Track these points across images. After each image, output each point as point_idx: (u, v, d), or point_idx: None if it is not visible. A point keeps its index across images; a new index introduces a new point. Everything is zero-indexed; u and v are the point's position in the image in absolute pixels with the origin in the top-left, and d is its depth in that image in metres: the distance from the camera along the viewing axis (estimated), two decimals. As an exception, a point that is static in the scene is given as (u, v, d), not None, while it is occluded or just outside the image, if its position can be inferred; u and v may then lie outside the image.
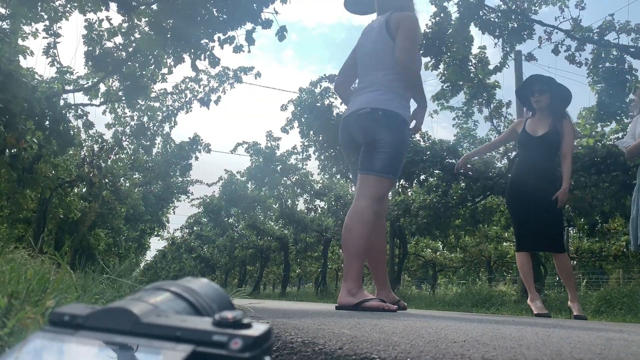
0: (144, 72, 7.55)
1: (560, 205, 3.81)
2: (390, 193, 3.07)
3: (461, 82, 7.93)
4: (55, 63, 7.85)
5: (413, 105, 3.11)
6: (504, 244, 16.57)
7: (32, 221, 12.28)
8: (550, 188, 3.85)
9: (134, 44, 7.07)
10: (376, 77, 2.97)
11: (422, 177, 9.33)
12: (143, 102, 9.75)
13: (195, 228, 23.15)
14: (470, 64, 7.84)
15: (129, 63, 7.34)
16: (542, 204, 3.82)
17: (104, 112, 9.67)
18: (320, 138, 9.90)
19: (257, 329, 0.36)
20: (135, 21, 6.71)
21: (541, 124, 4.00)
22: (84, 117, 9.16)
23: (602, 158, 6.84)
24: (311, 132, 9.98)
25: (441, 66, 7.83)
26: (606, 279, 14.42)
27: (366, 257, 2.99)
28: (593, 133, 7.50)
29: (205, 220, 20.38)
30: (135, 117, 10.63)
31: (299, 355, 1.06)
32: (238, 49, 6.24)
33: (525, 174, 3.96)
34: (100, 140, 12.05)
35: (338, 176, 11.28)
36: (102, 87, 8.78)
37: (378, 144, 2.84)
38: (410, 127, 3.05)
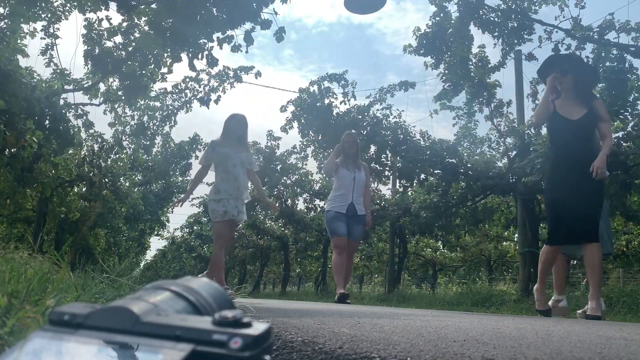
0: (143, 72, 7.54)
1: (597, 174, 3.52)
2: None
3: (462, 82, 7.92)
4: (52, 64, 7.83)
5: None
6: (504, 243, 16.56)
7: (32, 221, 12.27)
8: (590, 175, 3.58)
9: (133, 44, 7.06)
10: None
11: (422, 176, 9.32)
12: (143, 102, 9.73)
13: (195, 227, 23.13)
14: (470, 63, 7.83)
15: (129, 62, 7.33)
16: (582, 192, 3.61)
17: (104, 112, 9.65)
18: (320, 137, 9.87)
19: (257, 328, 0.36)
20: (135, 20, 6.70)
21: (573, 106, 3.77)
22: (84, 117, 9.14)
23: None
24: (311, 132, 9.95)
25: (441, 66, 7.82)
26: (606, 279, 14.40)
27: None
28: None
29: (205, 219, 20.38)
30: (136, 117, 10.62)
31: (299, 354, 1.06)
32: (236, 49, 6.23)
33: (566, 163, 3.73)
34: (100, 139, 12.04)
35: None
36: (102, 87, 8.76)
37: None
38: None
